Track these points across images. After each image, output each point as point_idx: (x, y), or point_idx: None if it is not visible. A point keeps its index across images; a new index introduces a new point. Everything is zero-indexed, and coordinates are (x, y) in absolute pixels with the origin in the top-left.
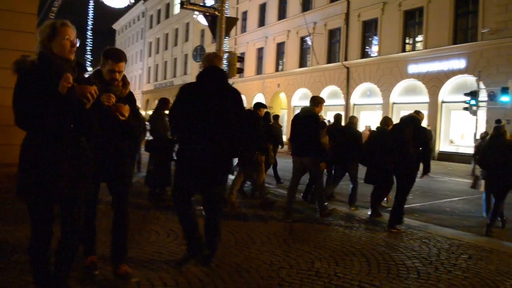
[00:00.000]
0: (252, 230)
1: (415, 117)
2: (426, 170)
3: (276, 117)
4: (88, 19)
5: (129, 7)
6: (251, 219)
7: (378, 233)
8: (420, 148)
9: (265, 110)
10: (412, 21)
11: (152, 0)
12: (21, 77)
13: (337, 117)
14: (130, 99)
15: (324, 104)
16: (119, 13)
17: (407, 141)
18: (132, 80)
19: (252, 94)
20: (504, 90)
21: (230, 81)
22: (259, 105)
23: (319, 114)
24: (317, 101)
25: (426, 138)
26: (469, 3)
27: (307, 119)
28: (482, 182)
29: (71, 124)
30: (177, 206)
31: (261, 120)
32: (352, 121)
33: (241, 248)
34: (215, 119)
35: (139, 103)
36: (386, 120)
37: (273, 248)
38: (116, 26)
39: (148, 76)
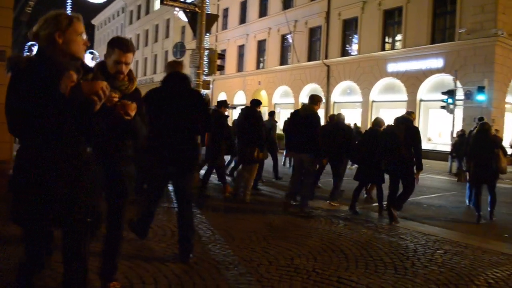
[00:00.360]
0: (232, 227)
1: (407, 118)
2: (419, 169)
3: (272, 113)
4: None
5: (108, 2)
6: (231, 216)
7: (357, 229)
8: (413, 148)
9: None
10: (392, 21)
11: None
12: (15, 76)
13: (332, 117)
14: (136, 96)
15: (304, 102)
16: (98, 8)
17: (400, 142)
18: None
19: (233, 91)
20: (480, 89)
21: (211, 78)
22: (257, 102)
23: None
24: (316, 100)
25: (417, 138)
26: (447, 4)
27: (308, 118)
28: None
29: (72, 127)
30: (148, 194)
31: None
32: (341, 117)
33: (220, 245)
34: (181, 117)
35: None
36: (378, 122)
37: (253, 245)
38: (95, 21)
39: None
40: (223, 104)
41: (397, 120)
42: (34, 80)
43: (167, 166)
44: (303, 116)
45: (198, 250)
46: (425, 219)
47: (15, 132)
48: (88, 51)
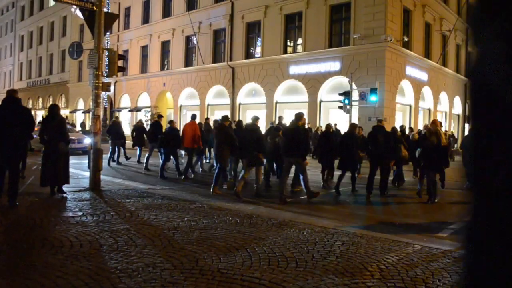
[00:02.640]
0: (134, 233)
1: (381, 126)
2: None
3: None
4: None
5: None
6: (134, 222)
7: (261, 227)
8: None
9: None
10: (293, 25)
11: None
12: None
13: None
14: None
15: (210, 103)
16: None
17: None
18: (1, 78)
19: (136, 93)
20: (373, 91)
21: (112, 79)
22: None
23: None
24: (299, 117)
25: (394, 139)
26: (342, 11)
27: (294, 130)
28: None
29: None
30: None
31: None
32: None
33: (123, 253)
34: (15, 126)
35: None
36: (354, 126)
37: (157, 250)
38: None
39: (20, 72)
40: (226, 118)
41: (375, 128)
42: None
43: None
44: (290, 129)
45: (99, 260)
46: (324, 213)
47: None
48: None
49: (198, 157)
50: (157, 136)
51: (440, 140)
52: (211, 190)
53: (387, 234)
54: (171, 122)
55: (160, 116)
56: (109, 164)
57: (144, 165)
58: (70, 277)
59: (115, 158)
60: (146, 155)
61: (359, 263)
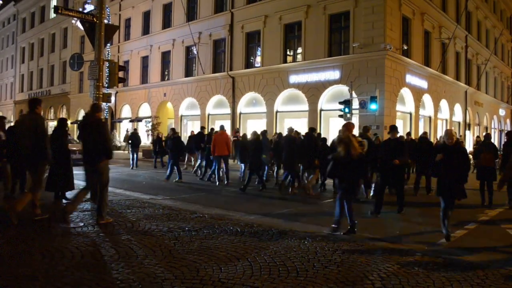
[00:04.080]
0: (135, 243)
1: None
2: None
3: (264, 132)
4: None
5: None
6: (135, 232)
7: (262, 237)
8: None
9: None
10: (292, 34)
11: (25, 1)
12: None
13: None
14: None
15: (211, 113)
16: None
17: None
18: (3, 89)
19: (137, 103)
20: (373, 99)
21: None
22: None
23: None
24: (291, 129)
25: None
26: (341, 20)
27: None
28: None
29: None
30: None
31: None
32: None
33: (124, 263)
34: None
35: (10, 114)
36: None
37: (157, 260)
38: None
39: (21, 84)
40: (292, 130)
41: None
42: None
43: None
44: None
45: (100, 270)
46: (326, 222)
47: None
48: None
49: (226, 164)
50: (201, 145)
51: (349, 151)
52: (289, 190)
53: (388, 243)
54: (173, 130)
55: (203, 128)
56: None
57: (206, 175)
58: None
59: (135, 164)
60: (198, 164)
61: (360, 272)
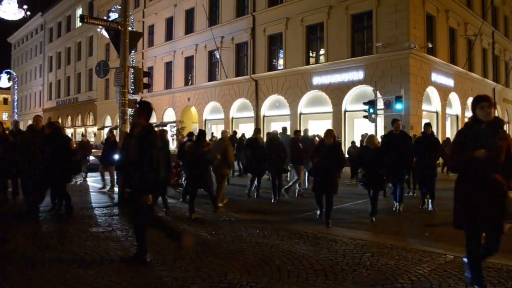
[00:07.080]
0: (163, 248)
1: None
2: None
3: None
4: None
5: (25, 19)
6: (162, 237)
7: (289, 240)
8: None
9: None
10: (314, 36)
11: (52, 12)
12: None
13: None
14: None
15: (235, 117)
16: (14, 25)
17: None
18: (32, 97)
19: (162, 108)
20: (398, 99)
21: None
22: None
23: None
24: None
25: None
26: (364, 19)
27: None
28: None
29: None
30: None
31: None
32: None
33: (152, 267)
34: None
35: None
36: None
37: (185, 264)
38: (11, 39)
39: (49, 92)
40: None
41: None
42: None
43: None
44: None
45: (129, 275)
46: (353, 223)
47: None
48: (4, 71)
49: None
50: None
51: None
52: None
53: (418, 245)
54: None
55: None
56: None
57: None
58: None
59: None
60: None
61: (389, 275)
